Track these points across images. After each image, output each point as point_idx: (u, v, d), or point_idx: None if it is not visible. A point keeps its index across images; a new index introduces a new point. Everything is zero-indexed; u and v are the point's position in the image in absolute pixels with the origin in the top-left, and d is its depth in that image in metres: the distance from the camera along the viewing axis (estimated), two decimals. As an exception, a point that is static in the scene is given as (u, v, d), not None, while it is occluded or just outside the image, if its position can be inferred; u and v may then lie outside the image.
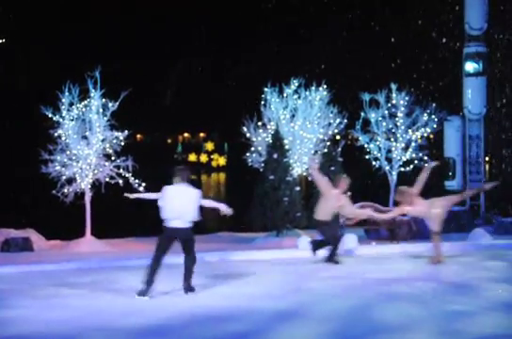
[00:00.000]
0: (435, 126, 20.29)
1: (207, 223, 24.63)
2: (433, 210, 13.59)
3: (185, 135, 74.37)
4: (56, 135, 17.63)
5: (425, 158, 19.78)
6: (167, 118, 61.44)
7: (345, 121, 20.62)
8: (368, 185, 21.95)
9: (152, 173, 18.44)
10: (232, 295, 10.54)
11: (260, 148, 20.00)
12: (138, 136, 62.72)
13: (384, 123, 20.16)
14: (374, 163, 20.15)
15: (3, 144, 45.74)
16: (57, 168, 17.50)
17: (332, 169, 19.38)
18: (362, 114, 20.25)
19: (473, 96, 22.23)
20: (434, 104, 20.34)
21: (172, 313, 9.27)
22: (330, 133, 20.53)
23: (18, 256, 15.71)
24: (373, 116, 20.12)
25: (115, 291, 10.88)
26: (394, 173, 20.10)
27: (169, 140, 73.02)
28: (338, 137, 21.09)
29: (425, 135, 20.29)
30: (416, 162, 19.94)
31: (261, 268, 13.31)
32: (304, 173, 20.13)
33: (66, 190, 17.45)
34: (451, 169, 21.92)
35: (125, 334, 8.17)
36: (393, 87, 20.21)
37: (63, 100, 17.59)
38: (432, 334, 8.04)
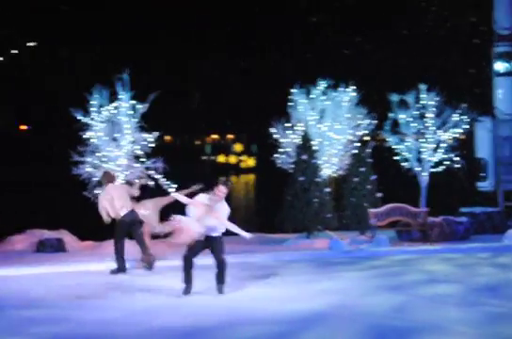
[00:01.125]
0: (465, 127, 20.10)
1: (238, 225, 24.65)
2: (142, 211, 13.69)
3: (214, 136, 74.47)
4: (86, 137, 17.73)
5: (456, 159, 19.62)
6: (195, 119, 61.61)
7: (374, 121, 20.50)
8: (398, 186, 21.82)
9: (180, 175, 18.49)
10: (264, 296, 10.53)
11: (289, 149, 19.96)
12: (167, 137, 62.91)
13: (413, 124, 20.02)
14: (403, 164, 20.02)
15: (35, 146, 46.21)
16: (88, 169, 17.60)
17: (362, 170, 19.32)
18: (391, 115, 20.13)
19: (504, 96, 22.00)
20: (464, 105, 20.15)
21: (206, 314, 9.28)
22: (359, 134, 20.43)
23: (52, 257, 15.85)
24: (402, 117, 20.00)
25: (148, 291, 10.93)
26: (425, 174, 19.96)
27: (198, 142, 73.14)
28: (367, 139, 20.97)
29: (456, 135, 20.11)
30: (447, 163, 19.78)
31: (292, 270, 13.29)
32: (333, 174, 20.06)
33: (97, 192, 17.53)
34: (483, 170, 21.69)
35: (161, 335, 8.20)
36: (423, 87, 20.07)
37: (93, 102, 17.69)
38: (466, 336, 7.97)
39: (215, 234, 10.65)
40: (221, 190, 10.66)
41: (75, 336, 8.18)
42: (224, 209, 10.75)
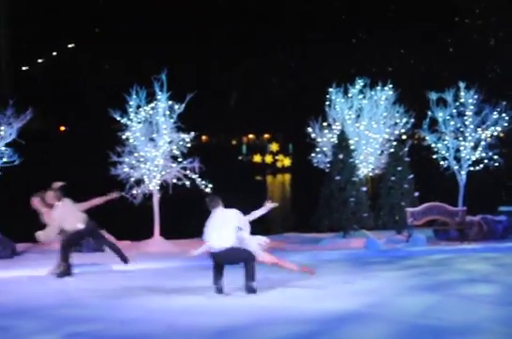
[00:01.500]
0: (505, 125, 19.84)
1: (273, 224, 24.67)
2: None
3: (250, 136, 74.53)
4: (124, 137, 17.88)
5: (495, 157, 19.39)
6: (231, 119, 61.75)
7: (412, 120, 20.35)
8: (436, 184, 21.63)
9: (217, 175, 18.56)
10: (299, 295, 10.52)
11: (325, 148, 19.91)
12: (204, 137, 63.14)
13: (452, 122, 19.82)
14: (442, 163, 19.83)
15: (73, 147, 46.68)
16: (126, 169, 17.75)
17: (399, 169, 19.19)
18: (429, 113, 19.95)
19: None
20: (504, 103, 19.89)
21: (238, 313, 9.30)
22: (397, 132, 20.29)
23: (90, 257, 16.01)
24: (440, 115, 19.81)
25: (184, 291, 10.99)
26: (463, 173, 19.75)
27: (234, 142, 73.24)
28: (404, 137, 20.82)
29: (495, 133, 19.86)
30: (485, 161, 19.55)
31: (327, 269, 13.26)
32: (370, 174, 19.96)
33: (135, 191, 17.69)
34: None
35: (192, 334, 8.23)
36: (462, 85, 19.85)
37: (131, 103, 17.83)
38: (503, 336, 7.87)
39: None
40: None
41: (108, 336, 8.25)
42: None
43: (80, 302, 10.35)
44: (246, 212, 11.06)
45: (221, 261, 10.65)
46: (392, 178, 19.15)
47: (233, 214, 10.71)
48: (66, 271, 12.82)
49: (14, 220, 13.33)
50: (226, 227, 10.58)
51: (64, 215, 12.70)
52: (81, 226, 12.76)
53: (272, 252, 11.37)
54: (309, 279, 11.94)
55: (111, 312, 9.55)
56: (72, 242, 13.05)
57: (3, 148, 15.18)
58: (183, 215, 22.34)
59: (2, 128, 15.01)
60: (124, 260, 13.17)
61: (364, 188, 18.56)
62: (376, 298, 10.22)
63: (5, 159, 15.15)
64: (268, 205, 11.19)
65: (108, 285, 11.89)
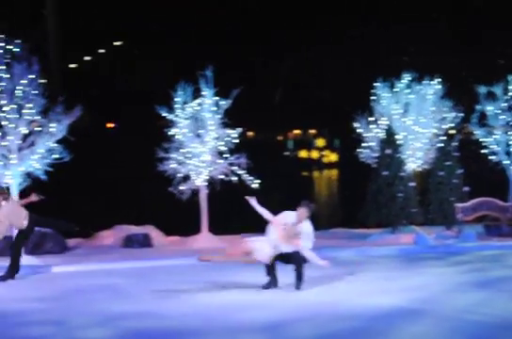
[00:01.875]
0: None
1: (321, 219, 24.59)
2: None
3: (296, 131, 74.33)
4: (170, 133, 17.99)
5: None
6: (277, 115, 61.72)
7: (461, 114, 20.07)
8: (486, 180, 21.31)
9: (264, 170, 18.57)
10: (347, 291, 10.48)
11: (372, 143, 19.77)
12: (250, 133, 63.26)
13: (502, 116, 19.49)
14: (491, 157, 19.52)
15: (121, 143, 47.17)
16: (173, 165, 17.86)
17: (447, 163, 18.96)
18: (479, 107, 19.65)
19: None
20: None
21: (288, 309, 9.31)
22: (445, 127, 20.05)
23: (139, 252, 16.20)
24: (490, 109, 19.49)
25: (231, 287, 11.03)
26: (514, 168, 19.40)
27: (280, 137, 73.14)
28: (453, 132, 20.56)
29: (547, 127, 19.46)
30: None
31: (376, 265, 13.17)
32: (418, 169, 19.76)
33: (182, 187, 17.80)
34: None
35: (241, 329, 8.26)
36: (511, 79, 19.50)
37: (177, 99, 17.92)
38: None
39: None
40: (302, 213, 10.63)
41: (158, 331, 8.33)
42: (305, 233, 10.67)
43: (131, 297, 10.47)
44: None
45: (288, 262, 10.73)
46: (441, 173, 18.92)
47: (308, 221, 10.75)
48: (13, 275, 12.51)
49: (65, 216, 13.51)
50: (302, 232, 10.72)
51: (11, 213, 12.62)
52: (25, 222, 12.70)
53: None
54: (357, 274, 11.89)
55: (161, 307, 9.64)
56: (21, 242, 12.81)
57: (53, 145, 15.40)
58: (230, 211, 22.47)
59: (52, 125, 15.23)
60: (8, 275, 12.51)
61: (412, 183, 18.38)
62: (426, 293, 10.12)
63: (55, 156, 15.36)
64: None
65: (156, 280, 12.00)
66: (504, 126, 19.54)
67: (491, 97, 19.57)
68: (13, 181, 14.55)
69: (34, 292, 11.14)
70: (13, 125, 14.76)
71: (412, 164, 19.51)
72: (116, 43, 63.86)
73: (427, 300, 9.63)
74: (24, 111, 14.75)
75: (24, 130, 14.97)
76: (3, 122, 14.64)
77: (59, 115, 15.43)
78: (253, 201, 11.06)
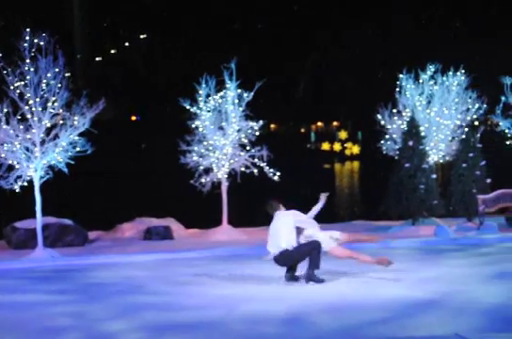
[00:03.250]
0: None
1: (342, 211, 24.58)
2: None
3: (319, 124, 74.14)
4: (193, 126, 18.04)
5: None
6: (300, 107, 61.63)
7: (485, 106, 19.92)
8: (509, 171, 21.14)
9: (286, 163, 18.57)
10: (368, 283, 10.48)
11: (395, 135, 19.69)
12: (272, 125, 63.19)
13: (527, 107, 19.31)
14: (516, 149, 19.36)
15: (143, 136, 47.37)
16: (195, 158, 17.92)
17: (471, 155, 18.83)
18: (503, 98, 19.47)
19: None
20: None
21: (307, 301, 9.33)
22: (469, 118, 19.93)
23: (159, 244, 16.29)
24: (514, 100, 19.31)
25: (251, 279, 11.07)
26: (537, 159, 19.24)
27: (303, 130, 72.99)
28: (477, 123, 20.41)
29: None
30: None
31: (397, 257, 13.13)
32: (441, 160, 19.66)
33: (203, 180, 17.87)
34: None
35: (267, 321, 8.30)
36: (536, 68, 19.31)
37: (200, 92, 17.95)
38: None
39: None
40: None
41: (175, 321, 8.40)
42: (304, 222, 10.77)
43: (149, 289, 10.55)
44: (311, 203, 11.06)
45: (285, 263, 10.73)
46: (464, 165, 18.80)
47: (287, 216, 10.73)
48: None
49: (86, 209, 13.64)
50: (279, 231, 10.62)
51: None
52: None
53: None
54: (376, 267, 11.87)
55: (178, 298, 9.71)
56: None
57: (76, 138, 15.52)
58: (251, 203, 22.51)
59: (76, 118, 15.34)
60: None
61: (434, 175, 18.29)
62: (445, 285, 10.10)
63: (78, 148, 15.48)
64: (323, 197, 11.09)
65: (176, 272, 12.08)
66: (527, 117, 19.37)
67: (516, 88, 19.39)
68: (36, 174, 14.69)
69: (55, 284, 11.27)
70: (37, 118, 14.89)
71: (434, 156, 19.42)
72: (141, 36, 64.06)
73: (446, 292, 9.61)
74: (48, 104, 14.87)
75: (48, 123, 15.10)
76: (28, 116, 14.77)
77: (83, 108, 15.53)
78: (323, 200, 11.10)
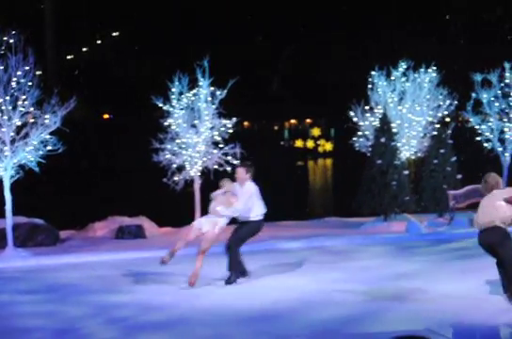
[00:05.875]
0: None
1: (315, 208, 24.62)
2: None
3: (292, 121, 74.26)
4: (166, 124, 17.99)
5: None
6: (273, 104, 61.66)
7: (456, 102, 20.10)
8: (479, 167, 21.36)
9: (259, 160, 18.58)
10: (340, 280, 10.53)
11: (367, 132, 19.79)
12: (245, 123, 63.18)
13: (497, 104, 19.48)
14: (485, 145, 19.54)
15: (116, 134, 47.14)
16: (168, 156, 17.86)
17: (442, 151, 18.98)
18: (474, 95, 19.65)
19: None
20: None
21: (274, 297, 9.35)
22: (440, 115, 20.09)
23: (132, 243, 16.23)
24: (485, 96, 19.48)
25: (223, 277, 11.07)
26: (507, 155, 19.43)
27: (276, 127, 73.10)
28: (448, 120, 20.58)
29: (542, 114, 19.45)
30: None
31: (369, 253, 13.22)
32: (412, 157, 19.80)
33: (176, 178, 17.82)
34: None
35: (236, 319, 8.31)
36: (507, 65, 19.48)
37: (173, 89, 17.90)
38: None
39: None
40: (238, 172, 10.59)
41: (149, 320, 8.39)
42: (243, 192, 10.49)
43: (121, 288, 10.51)
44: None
45: None
46: (435, 161, 18.94)
47: None
48: None
49: (58, 208, 13.54)
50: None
51: None
52: None
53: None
54: (348, 263, 11.94)
55: (150, 297, 9.69)
56: None
57: (47, 136, 15.38)
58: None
59: (47, 116, 15.22)
60: None
61: (406, 172, 18.41)
62: (416, 280, 10.18)
63: (49, 147, 15.35)
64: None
65: (148, 271, 12.03)
66: (498, 113, 19.56)
67: (486, 84, 19.56)
68: (5, 173, 14.55)
69: (25, 284, 11.19)
70: (7, 117, 14.75)
71: (406, 152, 19.54)
72: (113, 34, 63.71)
73: (418, 287, 9.69)
74: (18, 103, 14.73)
75: (19, 122, 14.96)
76: (-3, 114, 14.63)
77: (54, 106, 15.41)
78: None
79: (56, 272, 12.33)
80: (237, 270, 10.42)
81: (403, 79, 19.95)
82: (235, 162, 17.74)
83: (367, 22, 51.01)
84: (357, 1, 52.26)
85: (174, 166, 17.84)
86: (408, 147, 19.61)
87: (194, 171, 17.85)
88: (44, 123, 15.13)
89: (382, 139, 18.25)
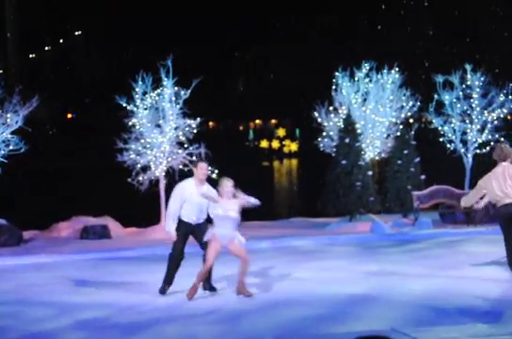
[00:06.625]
0: (512, 107, 19.72)
1: (280, 209, 24.70)
2: None
3: (257, 121, 74.43)
4: (130, 124, 17.89)
5: (502, 140, 19.28)
6: (238, 105, 61.74)
7: (418, 103, 20.32)
8: (442, 168, 21.61)
9: (223, 160, 18.57)
10: (305, 280, 10.56)
11: (331, 133, 19.92)
12: (211, 123, 63.10)
13: (458, 105, 19.73)
14: (448, 146, 19.78)
15: (79, 134, 46.76)
16: (132, 156, 17.78)
17: (405, 152, 19.16)
18: (436, 96, 19.87)
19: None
20: (511, 85, 19.74)
21: (240, 297, 9.33)
22: (403, 116, 20.28)
23: (96, 243, 16.10)
24: (447, 98, 19.72)
25: (190, 277, 11.02)
26: (470, 156, 19.70)
27: (241, 127, 73.21)
28: (411, 121, 20.79)
29: (502, 116, 19.75)
30: (492, 144, 19.46)
31: (334, 254, 13.28)
32: (377, 157, 19.95)
33: (141, 178, 17.73)
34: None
35: (202, 321, 8.29)
36: (468, 67, 19.73)
37: (137, 89, 17.81)
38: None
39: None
40: (202, 167, 9.64)
41: (114, 322, 8.32)
42: (211, 190, 9.64)
43: (85, 289, 10.41)
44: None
45: None
46: (399, 162, 19.12)
47: None
48: None
49: (20, 208, 13.37)
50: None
51: None
52: None
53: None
54: (314, 263, 11.98)
55: (116, 298, 9.61)
56: None
57: (9, 136, 15.19)
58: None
59: (8, 116, 15.03)
60: None
61: (370, 172, 18.56)
62: (381, 280, 10.24)
63: (11, 147, 15.16)
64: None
65: (113, 272, 11.95)
66: (460, 115, 19.80)
67: (448, 86, 19.80)
68: (-32, 172, 14.35)
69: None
70: (-33, 116, 14.55)
71: (370, 153, 19.70)
72: (76, 33, 63.19)
73: (382, 287, 9.74)
74: (-21, 102, 14.55)
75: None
76: (-43, 113, 14.42)
77: (16, 106, 15.23)
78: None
79: (20, 273, 12.19)
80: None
81: (366, 80, 20.11)
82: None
83: (331, 21, 51.31)
84: (323, 2, 52.56)
85: (139, 166, 17.77)
86: (373, 148, 19.77)
87: (159, 171, 17.79)
88: (6, 123, 14.96)
89: (346, 140, 18.37)
